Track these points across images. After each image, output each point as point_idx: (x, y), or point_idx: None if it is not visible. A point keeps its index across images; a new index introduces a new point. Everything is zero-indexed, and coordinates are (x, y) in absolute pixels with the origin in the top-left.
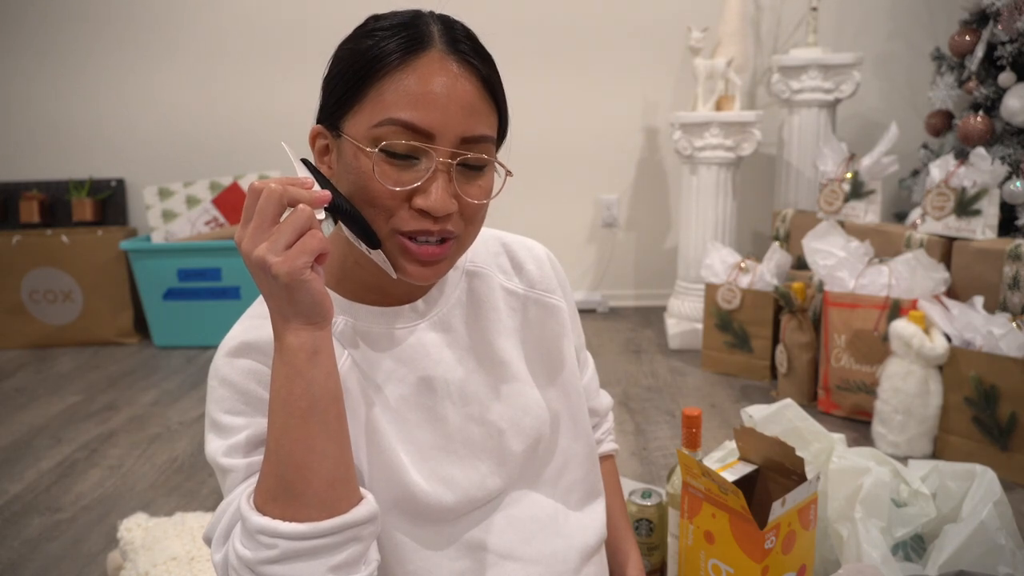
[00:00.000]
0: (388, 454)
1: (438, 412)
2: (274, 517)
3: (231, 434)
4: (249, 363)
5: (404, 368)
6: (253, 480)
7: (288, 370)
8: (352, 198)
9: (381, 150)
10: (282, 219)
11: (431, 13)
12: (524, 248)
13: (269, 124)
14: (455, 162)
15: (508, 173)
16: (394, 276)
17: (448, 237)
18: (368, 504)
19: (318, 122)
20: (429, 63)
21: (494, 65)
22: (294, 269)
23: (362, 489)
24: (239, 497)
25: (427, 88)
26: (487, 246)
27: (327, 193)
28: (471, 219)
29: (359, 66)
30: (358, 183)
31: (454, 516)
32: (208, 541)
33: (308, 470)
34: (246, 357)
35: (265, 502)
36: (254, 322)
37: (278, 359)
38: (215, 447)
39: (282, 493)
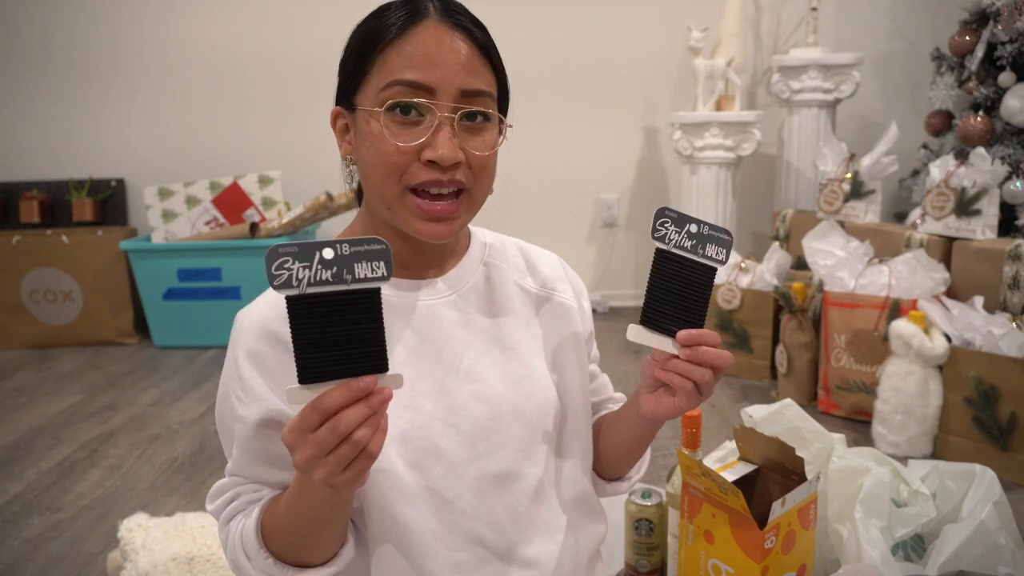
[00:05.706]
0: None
1: (445, 385)
2: (276, 555)
3: (250, 402)
4: (269, 350)
5: (417, 337)
6: (257, 493)
7: (307, 510)
8: (366, 164)
9: (387, 109)
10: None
11: None
12: (540, 254)
13: (268, 123)
14: (456, 115)
15: (507, 125)
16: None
17: (460, 188)
18: (349, 549)
19: (337, 104)
20: (425, 29)
21: (488, 32)
22: (350, 486)
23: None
24: (252, 525)
25: (425, 49)
26: (505, 248)
27: (386, 392)
28: (479, 172)
29: (365, 43)
30: (371, 147)
31: (452, 494)
32: (209, 501)
33: (316, 546)
34: (265, 343)
35: (271, 542)
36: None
37: (299, 493)
38: (240, 411)
39: (289, 550)
